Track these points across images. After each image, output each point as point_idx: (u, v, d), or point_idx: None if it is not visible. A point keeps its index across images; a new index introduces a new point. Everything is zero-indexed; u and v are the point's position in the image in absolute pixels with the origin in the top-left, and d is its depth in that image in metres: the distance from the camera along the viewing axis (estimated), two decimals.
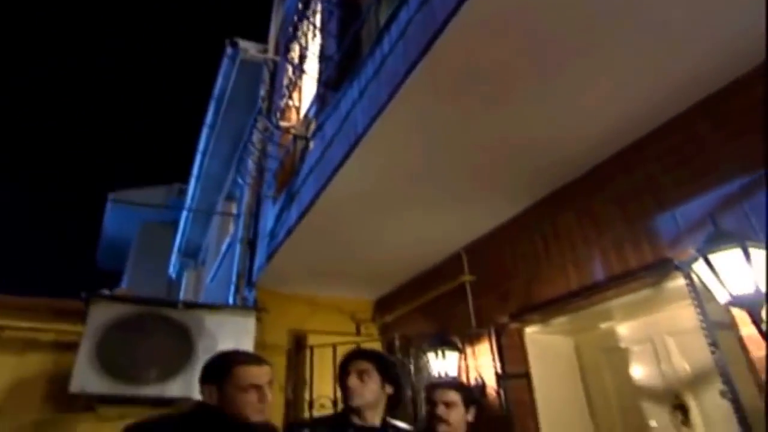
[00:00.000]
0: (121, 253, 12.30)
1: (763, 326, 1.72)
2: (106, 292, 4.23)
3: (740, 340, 1.92)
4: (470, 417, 2.20)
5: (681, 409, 2.55)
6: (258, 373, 1.78)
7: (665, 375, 2.64)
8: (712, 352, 1.92)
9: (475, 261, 3.43)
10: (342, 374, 1.94)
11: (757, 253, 1.74)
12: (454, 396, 2.17)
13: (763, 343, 1.79)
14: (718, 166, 2.07)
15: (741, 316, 1.87)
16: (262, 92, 5.02)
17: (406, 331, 3.79)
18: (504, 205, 3.05)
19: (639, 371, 2.81)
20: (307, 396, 3.42)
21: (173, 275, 10.46)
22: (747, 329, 1.86)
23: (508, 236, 3.17)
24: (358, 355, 2.00)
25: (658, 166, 2.32)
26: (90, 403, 3.40)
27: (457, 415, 2.15)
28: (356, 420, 1.87)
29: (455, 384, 2.38)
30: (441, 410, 2.13)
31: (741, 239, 1.75)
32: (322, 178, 2.98)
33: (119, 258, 12.39)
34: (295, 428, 1.85)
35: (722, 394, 1.92)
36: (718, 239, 1.79)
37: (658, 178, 2.31)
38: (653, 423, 2.67)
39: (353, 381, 1.88)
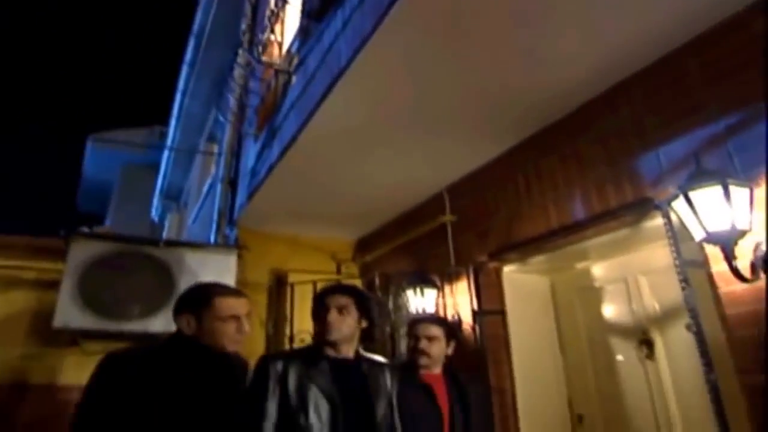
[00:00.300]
0: (103, 197, 12.11)
1: (735, 263, 1.78)
2: (86, 229, 4.21)
3: (710, 276, 1.97)
4: (450, 351, 2.29)
5: (647, 344, 2.65)
6: (237, 305, 1.79)
7: (635, 313, 2.72)
8: (683, 288, 1.96)
9: (457, 201, 3.43)
10: (320, 308, 1.93)
11: (737, 191, 1.76)
12: (436, 330, 2.25)
13: (732, 279, 1.85)
14: (704, 106, 2.05)
15: (714, 254, 1.91)
16: (243, 26, 4.81)
17: (386, 270, 3.83)
18: (488, 145, 3.01)
19: (610, 309, 2.89)
20: (287, 331, 3.48)
21: (156, 218, 10.37)
22: (718, 266, 1.91)
23: (490, 177, 3.15)
24: (337, 289, 1.99)
25: (643, 107, 2.29)
26: (75, 338, 3.46)
27: (438, 348, 2.23)
28: (330, 352, 1.89)
29: (438, 319, 2.44)
30: (424, 344, 2.21)
31: (722, 177, 1.76)
32: (303, 114, 2.90)
33: (101, 201, 12.20)
34: (270, 360, 1.84)
35: (688, 327, 1.98)
36: (700, 177, 1.80)
37: (644, 118, 2.28)
38: (620, 357, 2.77)
39: (333, 316, 1.88)
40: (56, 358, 3.46)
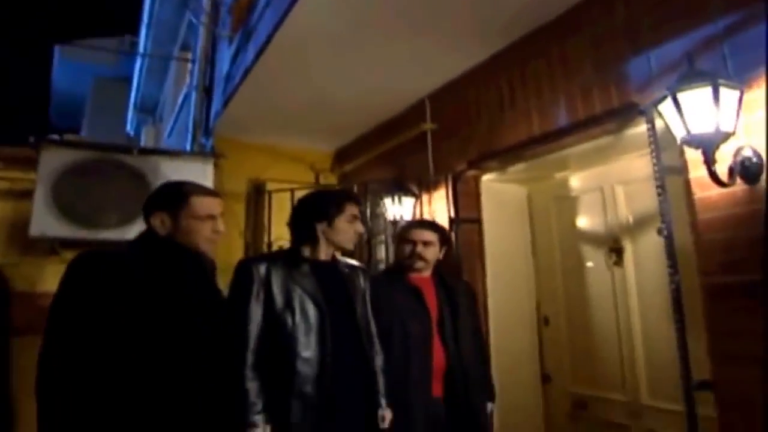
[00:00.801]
0: (76, 111, 11.64)
1: (714, 167, 1.76)
2: (56, 137, 4.04)
3: (687, 183, 1.96)
4: (441, 255, 2.34)
5: (616, 251, 2.69)
6: (214, 204, 1.75)
7: (608, 222, 2.74)
8: (659, 194, 1.96)
9: (438, 109, 3.32)
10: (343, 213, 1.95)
11: (726, 93, 1.70)
12: (431, 236, 2.29)
13: (708, 185, 1.84)
14: (702, 5, 1.94)
15: (693, 161, 1.89)
16: None
17: (365, 180, 3.78)
18: (474, 49, 2.85)
19: (584, 218, 2.91)
20: (265, 239, 3.48)
21: (131, 132, 10.02)
22: (696, 172, 1.90)
23: (474, 83, 3.02)
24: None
25: (641, 6, 2.15)
26: (54, 247, 3.45)
27: (432, 253, 2.28)
28: (308, 255, 1.89)
29: (432, 224, 2.47)
30: (420, 248, 2.25)
31: (714, 78, 1.68)
32: (279, 12, 2.69)
33: (74, 116, 11.72)
34: (253, 263, 1.82)
35: (659, 231, 2.01)
36: (691, 78, 1.73)
37: (640, 19, 2.14)
38: (589, 264, 2.83)
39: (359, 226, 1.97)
40: (36, 267, 3.45)
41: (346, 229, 1.91)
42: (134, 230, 3.33)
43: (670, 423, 2.24)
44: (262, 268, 1.78)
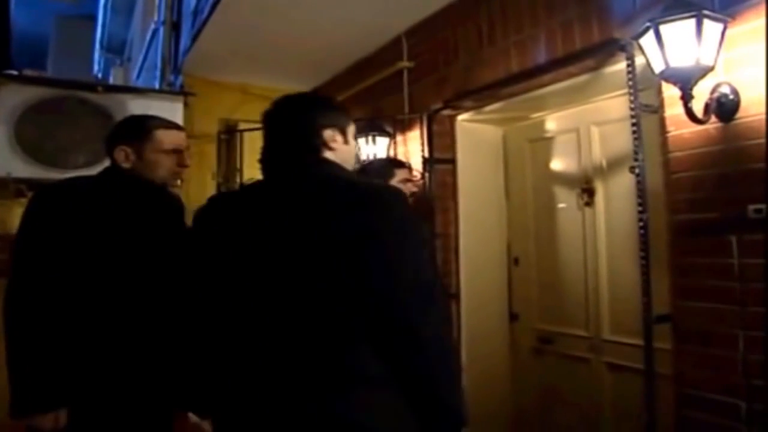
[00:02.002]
0: (40, 53, 10.97)
1: (690, 104, 1.71)
2: (15, 72, 3.84)
3: (662, 120, 1.92)
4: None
5: (588, 192, 2.67)
6: (179, 137, 1.69)
7: (582, 162, 2.70)
8: (633, 132, 1.92)
9: (416, 46, 3.16)
10: None
11: (710, 26, 1.62)
12: (407, 173, 2.41)
13: (682, 123, 1.80)
14: None
15: (670, 98, 1.84)
16: None
17: None
18: None
19: (559, 159, 2.86)
20: (238, 180, 3.37)
21: (98, 74, 9.50)
22: (672, 110, 1.85)
23: (453, 19, 2.86)
24: None
25: None
26: (20, 189, 3.27)
27: (408, 190, 2.35)
28: None
29: (403, 162, 2.54)
30: (409, 186, 2.34)
31: (698, 9, 1.60)
32: None
33: (38, 59, 11.03)
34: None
35: (631, 169, 1.98)
36: (675, 8, 1.64)
37: None
38: (561, 205, 2.81)
39: None
40: (5, 209, 3.29)
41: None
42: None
43: (628, 355, 2.30)
44: None
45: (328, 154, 1.25)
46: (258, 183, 1.30)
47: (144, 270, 1.56)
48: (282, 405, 1.05)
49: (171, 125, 1.71)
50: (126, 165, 1.61)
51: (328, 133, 1.25)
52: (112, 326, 1.51)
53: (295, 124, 1.27)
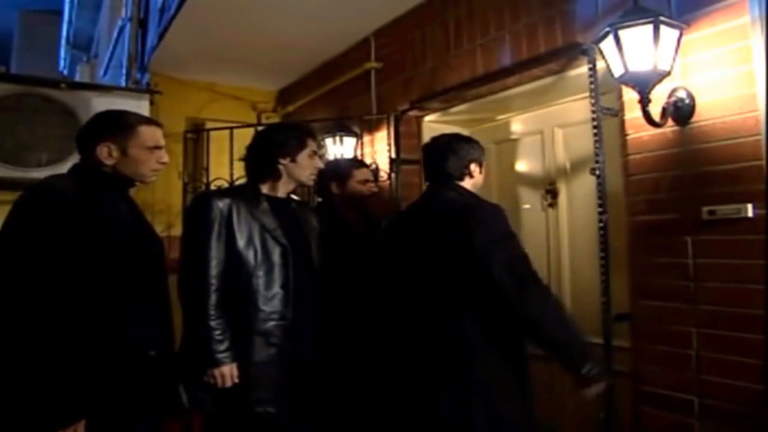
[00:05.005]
0: (3, 48, 10.53)
1: (648, 107, 1.72)
2: None
3: (622, 123, 1.93)
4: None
5: (551, 193, 2.68)
6: (159, 134, 1.61)
7: (546, 164, 2.70)
8: (594, 134, 1.93)
9: (383, 47, 3.12)
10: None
11: (667, 32, 1.64)
12: (369, 173, 2.40)
13: (641, 126, 1.81)
14: None
15: (630, 101, 1.85)
16: None
17: (308, 120, 3.59)
18: None
19: (523, 161, 2.86)
20: (204, 179, 3.26)
21: (64, 71, 9.14)
22: (631, 114, 1.86)
23: (421, 20, 2.83)
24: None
25: None
26: None
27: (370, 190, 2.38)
28: (267, 191, 1.77)
29: (365, 163, 2.54)
30: (369, 186, 2.34)
31: (656, 15, 1.62)
32: None
33: (1, 54, 10.57)
34: (213, 197, 1.70)
35: (592, 171, 1.99)
36: (633, 14, 1.65)
37: None
38: (526, 206, 2.81)
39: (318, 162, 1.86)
40: None
41: (308, 164, 1.79)
42: (66, 170, 3.09)
43: None
44: (223, 204, 1.66)
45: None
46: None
47: (151, 272, 1.54)
48: (426, 368, 1.63)
49: (151, 121, 1.62)
50: (109, 162, 1.49)
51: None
52: (123, 334, 1.43)
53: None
